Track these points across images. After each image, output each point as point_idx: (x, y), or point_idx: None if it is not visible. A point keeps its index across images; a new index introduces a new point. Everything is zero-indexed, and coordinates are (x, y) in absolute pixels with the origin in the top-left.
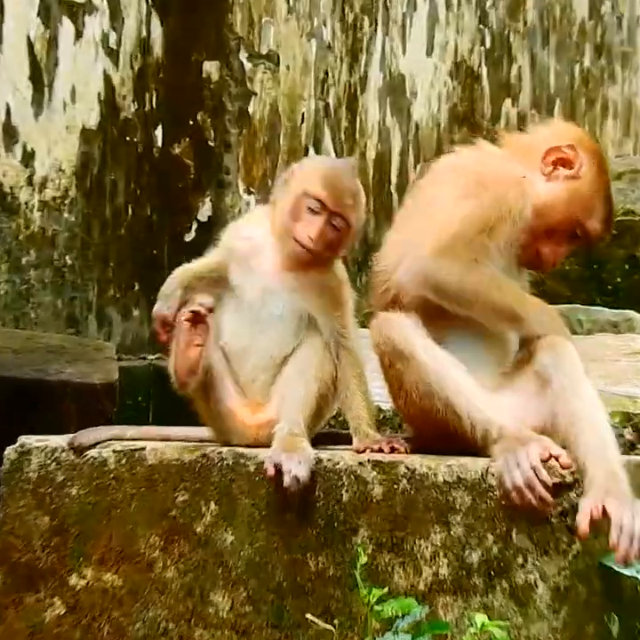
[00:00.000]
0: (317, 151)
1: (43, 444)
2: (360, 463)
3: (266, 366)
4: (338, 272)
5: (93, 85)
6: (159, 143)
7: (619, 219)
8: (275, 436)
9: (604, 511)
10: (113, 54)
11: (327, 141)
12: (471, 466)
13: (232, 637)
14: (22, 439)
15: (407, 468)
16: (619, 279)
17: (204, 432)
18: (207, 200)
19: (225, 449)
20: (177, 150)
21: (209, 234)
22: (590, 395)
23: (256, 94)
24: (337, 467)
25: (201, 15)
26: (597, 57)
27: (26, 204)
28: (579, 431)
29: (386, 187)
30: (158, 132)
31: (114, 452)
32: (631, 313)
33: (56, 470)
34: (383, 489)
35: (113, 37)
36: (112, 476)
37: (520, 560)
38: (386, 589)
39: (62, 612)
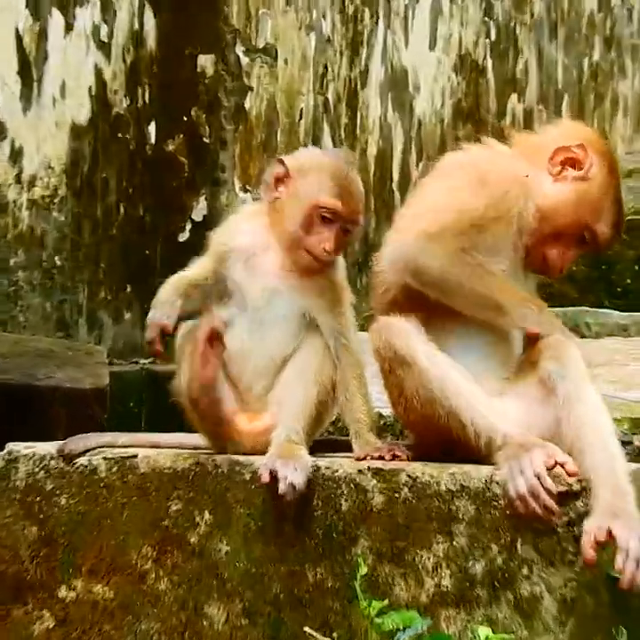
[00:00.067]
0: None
1: (31, 451)
2: (360, 471)
3: (266, 369)
4: (337, 268)
5: (84, 80)
6: (152, 140)
7: (629, 217)
8: (272, 442)
9: (610, 533)
10: (104, 47)
11: (326, 138)
12: (475, 474)
13: None
14: (9, 446)
15: (409, 476)
16: (628, 280)
17: (198, 439)
18: (202, 199)
19: (220, 457)
20: (171, 147)
21: (204, 234)
22: (596, 405)
23: (253, 89)
24: (336, 475)
25: (196, 7)
26: (607, 50)
27: (14, 202)
28: (585, 443)
29: (387, 185)
30: (151, 129)
31: (105, 459)
32: None
33: (45, 478)
34: (384, 498)
35: (104, 30)
36: (103, 484)
37: (525, 571)
38: (386, 601)
39: (51, 626)
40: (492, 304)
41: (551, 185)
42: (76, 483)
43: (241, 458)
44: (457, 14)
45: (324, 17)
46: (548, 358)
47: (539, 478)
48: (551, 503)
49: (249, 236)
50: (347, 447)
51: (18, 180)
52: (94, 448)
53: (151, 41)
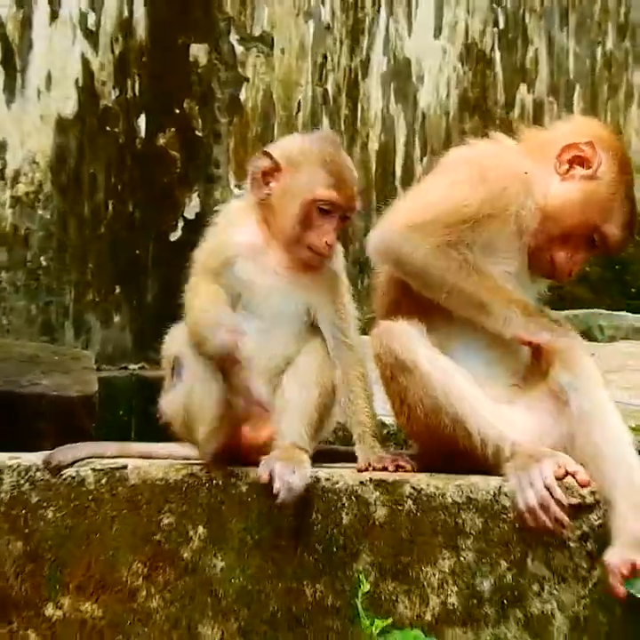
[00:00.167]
0: None
1: (15, 462)
2: (361, 482)
3: (272, 371)
4: (336, 257)
5: (70, 71)
6: (142, 134)
7: None
8: (274, 444)
9: (634, 566)
10: (92, 36)
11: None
12: (482, 485)
13: None
14: None
15: (413, 487)
16: None
17: (189, 449)
18: (195, 195)
19: (214, 468)
20: (162, 141)
21: (197, 232)
22: (612, 417)
23: (248, 80)
24: (336, 486)
25: None
26: (621, 38)
27: None
28: (601, 458)
29: (390, 180)
30: (141, 122)
31: (93, 470)
32: None
33: (30, 491)
34: (387, 510)
35: (92, 18)
36: (91, 496)
37: (536, 588)
38: (390, 620)
39: None
40: (476, 302)
41: (558, 184)
42: (63, 495)
43: (236, 469)
44: (463, 1)
45: (322, 3)
46: (560, 368)
47: (549, 490)
48: (562, 516)
49: (246, 236)
50: (347, 457)
51: (1, 175)
52: (82, 459)
53: (141, 29)
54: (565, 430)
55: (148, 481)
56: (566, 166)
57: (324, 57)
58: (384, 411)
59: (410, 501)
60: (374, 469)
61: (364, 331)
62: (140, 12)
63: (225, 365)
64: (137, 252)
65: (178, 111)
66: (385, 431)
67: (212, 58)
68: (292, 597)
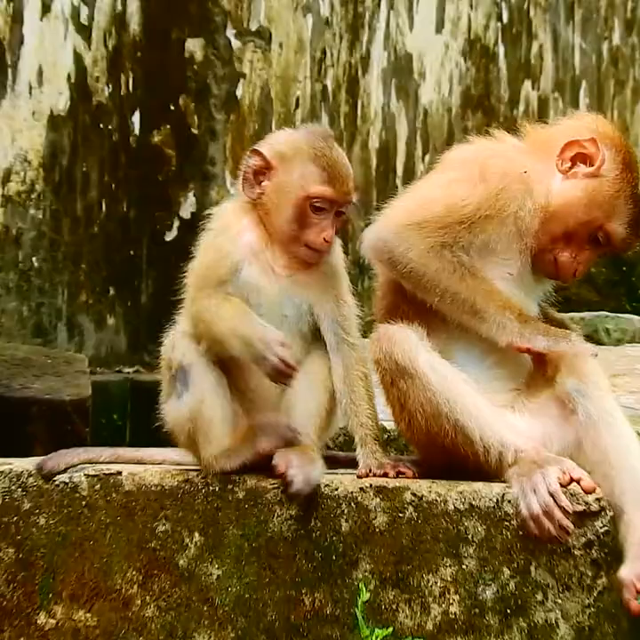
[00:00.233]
0: None
1: (7, 468)
2: (361, 489)
3: None
4: (334, 251)
5: (62, 66)
6: (136, 131)
7: None
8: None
9: None
10: (84, 31)
11: None
12: (485, 492)
13: None
14: None
15: (414, 494)
16: None
17: (183, 455)
18: (190, 194)
19: (211, 474)
20: (156, 139)
21: (193, 232)
22: (623, 428)
23: (245, 76)
24: (336, 493)
25: None
26: (628, 33)
27: None
28: (610, 467)
29: (391, 179)
30: (135, 119)
31: (86, 476)
32: None
33: (22, 497)
34: (387, 518)
35: (84, 12)
36: (85, 503)
37: (540, 597)
38: (390, 630)
39: None
40: (469, 307)
41: (561, 182)
42: (56, 502)
43: (233, 475)
44: None
45: None
46: (566, 374)
47: (553, 496)
48: (567, 523)
49: (246, 240)
50: (346, 463)
51: None
52: (76, 465)
53: (135, 24)
54: (572, 437)
55: (142, 487)
56: (569, 164)
57: (323, 52)
58: (384, 415)
59: (411, 508)
60: (375, 476)
61: (364, 333)
62: (133, 5)
63: (279, 377)
64: (131, 252)
65: (173, 108)
66: (385, 436)
67: (208, 53)
68: (291, 606)
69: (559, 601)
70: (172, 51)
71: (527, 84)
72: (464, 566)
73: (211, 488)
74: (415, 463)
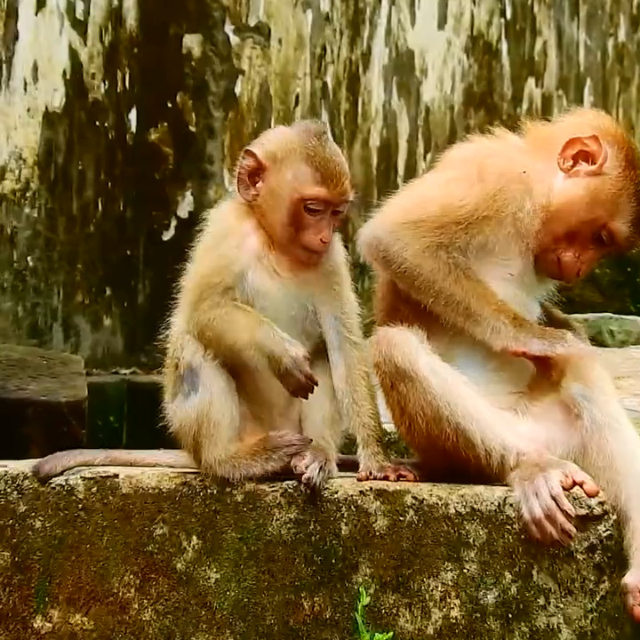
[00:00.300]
0: None
1: (2, 470)
2: (361, 492)
3: None
4: (334, 249)
5: (58, 62)
6: (133, 128)
7: None
8: None
9: None
10: (80, 26)
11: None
12: (487, 495)
13: None
14: None
15: (415, 497)
16: None
17: (177, 457)
18: (188, 193)
19: (209, 476)
20: (153, 136)
21: (190, 231)
22: (629, 433)
23: (244, 73)
24: (335, 496)
25: None
26: (634, 30)
27: None
28: (615, 472)
29: (392, 178)
30: (132, 116)
31: (83, 479)
32: None
33: (18, 500)
34: (388, 521)
35: (80, 7)
36: (81, 506)
37: (541, 601)
38: (390, 634)
39: None
40: (463, 309)
41: (562, 181)
42: (52, 504)
43: (231, 478)
44: None
45: None
46: (572, 379)
47: (555, 500)
48: (569, 527)
49: (247, 244)
50: (347, 466)
51: None
52: (72, 467)
53: (131, 19)
54: (576, 442)
55: (140, 490)
56: (571, 162)
57: (323, 48)
58: (385, 417)
59: (411, 512)
60: (375, 479)
61: (365, 334)
62: (130, 0)
63: (300, 392)
64: (128, 251)
65: (170, 105)
66: (386, 439)
67: (206, 49)
68: (290, 610)
69: (561, 605)
70: (169, 47)
71: (531, 81)
72: (465, 570)
73: (209, 491)
74: (416, 466)
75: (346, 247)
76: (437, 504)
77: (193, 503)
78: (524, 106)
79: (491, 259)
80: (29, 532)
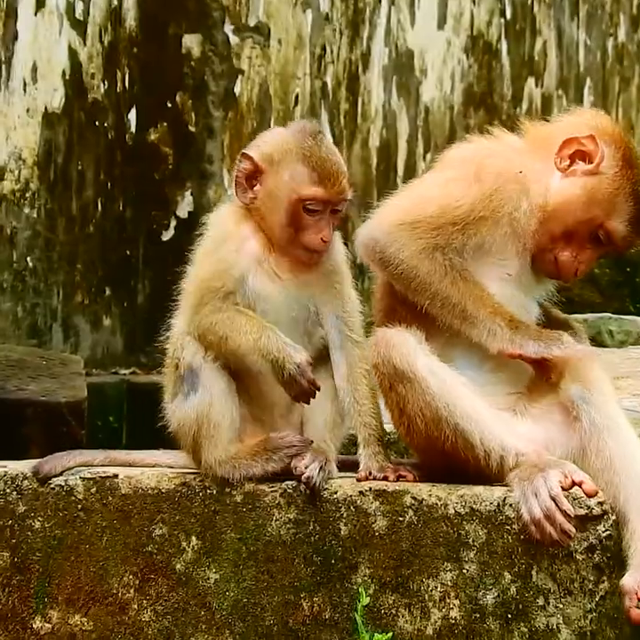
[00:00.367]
0: None
1: (1, 470)
2: (361, 492)
3: None
4: (334, 247)
5: (57, 62)
6: (133, 128)
7: None
8: None
9: None
10: (79, 26)
11: (325, 126)
12: (486, 496)
13: None
14: None
15: (414, 498)
16: None
17: (176, 457)
18: (187, 193)
19: (208, 477)
20: (153, 136)
21: (190, 232)
22: (628, 435)
23: (243, 72)
24: (334, 497)
25: None
26: (634, 30)
27: None
28: (614, 474)
29: (391, 178)
30: (132, 116)
31: (82, 479)
32: None
33: (17, 500)
34: (387, 521)
35: (79, 7)
36: (80, 506)
37: (541, 601)
38: (390, 634)
39: None
40: (459, 311)
41: (559, 181)
42: (52, 505)
43: (230, 478)
44: None
45: None
46: (571, 380)
47: (555, 500)
48: (569, 527)
49: (248, 247)
50: (347, 466)
51: None
52: (72, 468)
53: (131, 19)
54: (575, 444)
55: (139, 490)
56: (567, 162)
57: (323, 48)
58: (384, 418)
59: (411, 512)
60: (375, 479)
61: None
62: (129, 0)
63: (303, 397)
64: (127, 252)
65: (170, 105)
66: (386, 439)
67: (206, 49)
68: (289, 610)
69: (560, 606)
70: (168, 47)
71: (530, 81)
72: (464, 571)
73: (208, 491)
74: (416, 466)
75: (345, 245)
76: (437, 504)
77: (192, 503)
78: (524, 106)
79: (488, 259)
80: (29, 533)
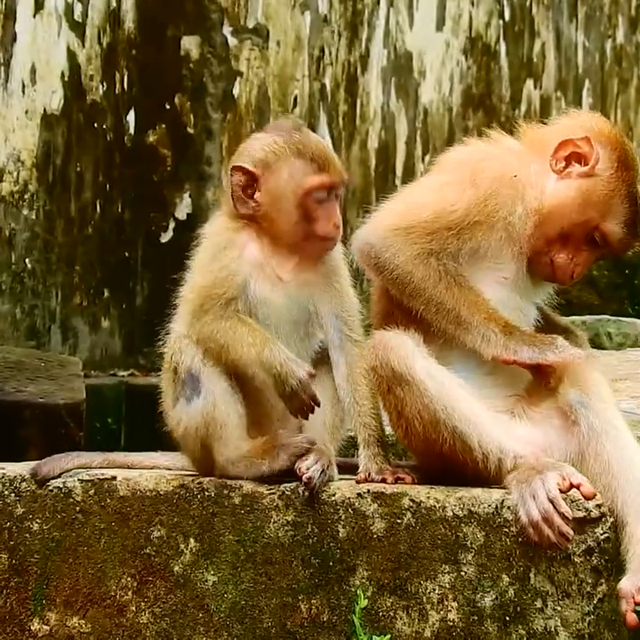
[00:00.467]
0: None
1: (0, 472)
2: (359, 494)
3: None
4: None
5: (56, 64)
6: (131, 130)
7: None
8: None
9: None
10: (78, 28)
11: (323, 128)
12: (484, 498)
13: None
14: None
15: (412, 500)
16: None
17: (174, 459)
18: (186, 195)
19: (206, 479)
20: (152, 138)
21: (188, 233)
22: (626, 440)
23: (242, 74)
24: (333, 499)
25: None
26: (632, 31)
27: None
28: (612, 477)
29: (390, 179)
30: (130, 118)
31: (80, 481)
32: None
33: (15, 502)
34: (385, 524)
35: (78, 9)
36: (79, 508)
37: (539, 604)
38: (388, 637)
39: None
40: (453, 317)
41: (555, 183)
42: (50, 507)
43: (229, 480)
44: None
45: None
46: (569, 385)
47: (553, 502)
48: (567, 529)
49: (248, 254)
50: (346, 469)
51: None
52: (70, 470)
53: (130, 21)
54: (574, 448)
55: (137, 492)
56: (563, 164)
57: (322, 50)
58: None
59: (409, 514)
60: (373, 481)
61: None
62: (128, 2)
63: (302, 412)
64: (126, 253)
65: (168, 107)
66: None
67: (204, 51)
68: (287, 613)
69: (559, 608)
70: (167, 48)
71: (529, 83)
72: (463, 573)
73: (206, 493)
74: (415, 469)
75: (343, 243)
76: (435, 507)
77: (190, 506)
78: (523, 107)
79: (484, 263)
80: (27, 535)
